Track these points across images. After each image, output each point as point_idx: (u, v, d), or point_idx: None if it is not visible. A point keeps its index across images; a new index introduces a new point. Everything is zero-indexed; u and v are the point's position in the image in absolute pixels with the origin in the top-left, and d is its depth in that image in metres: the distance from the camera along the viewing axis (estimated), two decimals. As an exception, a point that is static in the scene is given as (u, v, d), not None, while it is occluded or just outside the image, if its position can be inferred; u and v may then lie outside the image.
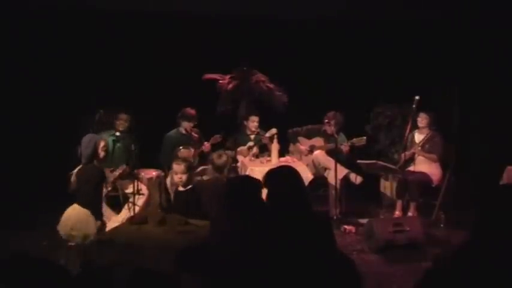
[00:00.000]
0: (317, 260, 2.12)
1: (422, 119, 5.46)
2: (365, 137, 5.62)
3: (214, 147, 5.69)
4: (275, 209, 2.46)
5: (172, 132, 5.81)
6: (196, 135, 5.73)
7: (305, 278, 2.08)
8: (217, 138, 5.74)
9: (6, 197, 5.54)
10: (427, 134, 5.49)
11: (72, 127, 5.71)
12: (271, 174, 2.64)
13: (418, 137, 5.57)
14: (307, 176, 5.28)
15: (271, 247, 2.20)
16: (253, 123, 6.01)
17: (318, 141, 5.90)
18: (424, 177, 5.37)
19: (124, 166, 5.21)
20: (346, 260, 2.18)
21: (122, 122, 5.48)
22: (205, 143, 5.72)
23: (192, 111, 5.76)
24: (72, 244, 4.38)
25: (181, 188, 4.59)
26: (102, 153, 4.36)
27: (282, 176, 2.59)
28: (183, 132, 5.76)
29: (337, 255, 2.20)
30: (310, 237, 2.25)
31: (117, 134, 5.32)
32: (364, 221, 5.26)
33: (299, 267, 2.09)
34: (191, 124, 5.74)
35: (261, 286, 2.12)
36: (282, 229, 2.29)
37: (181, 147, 5.55)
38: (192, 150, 5.56)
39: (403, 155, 5.32)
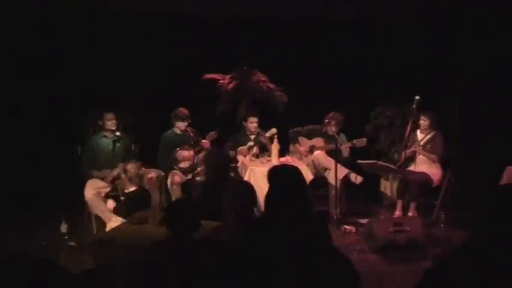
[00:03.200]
0: (314, 260, 2.12)
1: (423, 122, 5.48)
2: (365, 139, 5.62)
3: (213, 144, 5.71)
4: (275, 206, 2.46)
5: (169, 132, 5.75)
6: (191, 134, 5.66)
7: (303, 278, 2.08)
8: (213, 134, 5.71)
9: (7, 197, 5.55)
10: (429, 134, 5.50)
11: (72, 127, 5.74)
12: (275, 170, 2.65)
13: (420, 135, 5.58)
14: (307, 176, 5.28)
15: (269, 246, 2.20)
16: (252, 124, 5.99)
17: (319, 141, 5.89)
18: (424, 177, 5.37)
19: (122, 165, 5.21)
20: (345, 260, 2.18)
21: (111, 121, 5.34)
22: (203, 140, 5.69)
23: (184, 110, 5.67)
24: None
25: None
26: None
27: (287, 174, 2.60)
28: (178, 132, 5.70)
29: (335, 255, 2.20)
30: (307, 237, 2.25)
31: (118, 133, 5.31)
32: (364, 221, 5.26)
33: (296, 266, 2.09)
34: (185, 123, 5.65)
35: (258, 285, 2.12)
36: (280, 227, 2.30)
37: (178, 149, 5.52)
38: (191, 150, 5.53)
39: (403, 152, 5.33)
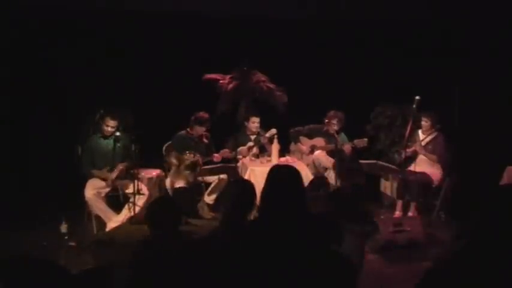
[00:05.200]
0: (311, 259, 2.12)
1: (424, 122, 5.48)
2: (366, 139, 5.63)
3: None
4: (271, 205, 2.46)
5: (183, 132, 5.68)
6: (206, 140, 5.61)
7: (300, 277, 2.08)
8: (226, 152, 5.68)
9: (7, 196, 5.55)
10: (431, 134, 5.47)
11: (72, 127, 5.73)
12: (273, 170, 2.64)
13: (422, 136, 5.58)
14: (307, 176, 5.28)
15: (266, 246, 2.20)
16: (253, 124, 5.99)
17: (319, 141, 5.90)
18: (424, 178, 5.37)
19: (120, 166, 5.20)
20: (344, 260, 2.17)
21: (111, 127, 5.24)
22: (215, 155, 5.61)
23: (205, 115, 5.59)
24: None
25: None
26: None
27: (284, 174, 2.59)
28: (194, 135, 5.62)
29: (333, 255, 2.20)
30: (303, 237, 2.25)
31: (117, 133, 5.30)
32: (364, 221, 5.25)
33: (293, 266, 2.10)
34: (203, 128, 5.60)
35: (256, 285, 2.12)
36: (275, 226, 2.30)
37: (187, 152, 5.50)
38: (199, 156, 5.44)
39: (403, 152, 5.33)
